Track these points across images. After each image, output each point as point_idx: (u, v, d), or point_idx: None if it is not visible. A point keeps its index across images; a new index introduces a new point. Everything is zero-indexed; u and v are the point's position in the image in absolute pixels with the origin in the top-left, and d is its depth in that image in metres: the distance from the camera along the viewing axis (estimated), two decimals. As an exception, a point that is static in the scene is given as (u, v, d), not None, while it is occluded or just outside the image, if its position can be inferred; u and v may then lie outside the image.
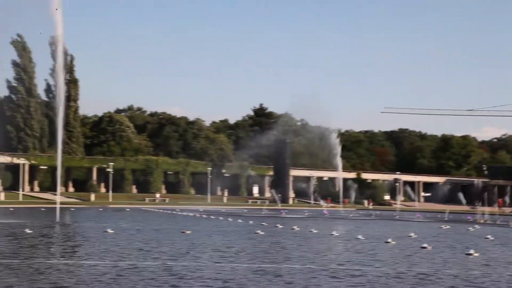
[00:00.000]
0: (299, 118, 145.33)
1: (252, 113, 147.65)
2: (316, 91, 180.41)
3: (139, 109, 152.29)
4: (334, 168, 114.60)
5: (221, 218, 53.08)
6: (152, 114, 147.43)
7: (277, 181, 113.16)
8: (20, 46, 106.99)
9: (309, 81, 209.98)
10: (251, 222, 47.01)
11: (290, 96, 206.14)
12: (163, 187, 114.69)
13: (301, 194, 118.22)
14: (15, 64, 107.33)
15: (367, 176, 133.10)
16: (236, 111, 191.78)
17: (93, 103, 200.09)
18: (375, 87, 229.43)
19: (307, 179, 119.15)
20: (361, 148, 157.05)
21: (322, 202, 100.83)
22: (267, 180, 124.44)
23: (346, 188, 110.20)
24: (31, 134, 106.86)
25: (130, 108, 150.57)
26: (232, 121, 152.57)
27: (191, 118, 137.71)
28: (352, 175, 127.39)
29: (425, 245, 27.74)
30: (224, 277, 16.62)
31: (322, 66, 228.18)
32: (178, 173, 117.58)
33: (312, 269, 18.65)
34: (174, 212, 65.09)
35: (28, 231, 31.73)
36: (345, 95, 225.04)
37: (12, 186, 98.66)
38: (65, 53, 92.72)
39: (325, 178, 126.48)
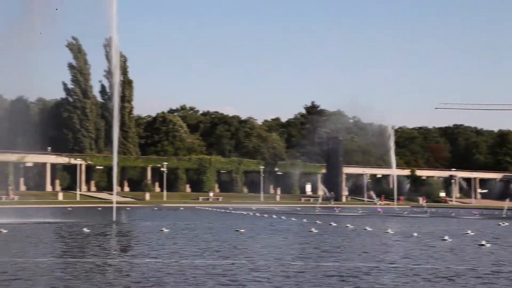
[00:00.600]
0: (352, 115, 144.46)
1: (304, 111, 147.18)
2: (369, 87, 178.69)
3: (191, 108, 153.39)
4: (388, 165, 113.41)
5: (274, 216, 53.00)
6: (205, 114, 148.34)
7: (330, 179, 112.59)
8: (76, 49, 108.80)
9: (361, 77, 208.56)
10: (304, 220, 46.83)
11: (342, 93, 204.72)
12: (216, 186, 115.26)
13: (353, 191, 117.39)
14: (71, 66, 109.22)
15: (422, 173, 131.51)
16: (288, 109, 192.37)
17: (146, 104, 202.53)
18: (429, 83, 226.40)
19: (360, 176, 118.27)
20: (415, 144, 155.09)
21: (376, 200, 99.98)
22: (319, 178, 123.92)
23: (400, 186, 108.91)
24: (87, 135, 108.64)
25: (183, 108, 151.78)
26: (284, 119, 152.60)
27: (243, 117, 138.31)
28: (406, 172, 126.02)
29: (483, 242, 27.20)
30: (285, 276, 16.58)
31: (375, 62, 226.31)
32: (231, 172, 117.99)
33: (379, 268, 18.46)
34: (228, 211, 65.30)
35: (86, 230, 32.21)
36: (399, 91, 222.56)
37: (70, 186, 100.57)
38: (119, 54, 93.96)
39: (379, 176, 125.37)
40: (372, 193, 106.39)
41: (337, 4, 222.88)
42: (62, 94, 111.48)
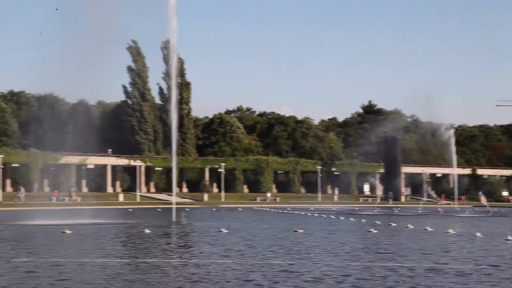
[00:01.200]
0: (410, 114, 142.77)
1: (361, 111, 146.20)
2: (427, 85, 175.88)
3: (248, 109, 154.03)
4: (448, 164, 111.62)
5: (332, 216, 52.82)
6: (261, 114, 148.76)
7: (388, 178, 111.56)
8: (135, 52, 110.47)
9: (419, 75, 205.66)
10: (363, 220, 46.53)
11: (400, 92, 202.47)
12: (273, 186, 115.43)
13: (413, 190, 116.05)
14: (130, 69, 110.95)
15: (483, 171, 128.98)
16: (345, 109, 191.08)
17: (204, 105, 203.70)
18: (489, 80, 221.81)
19: (419, 175, 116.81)
20: (475, 143, 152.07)
21: (436, 200, 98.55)
22: (377, 178, 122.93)
23: (460, 185, 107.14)
24: (146, 137, 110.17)
25: (239, 109, 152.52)
26: (340, 119, 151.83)
27: (300, 117, 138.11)
28: (467, 171, 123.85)
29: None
30: (344, 275, 16.56)
31: (432, 60, 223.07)
32: (288, 172, 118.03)
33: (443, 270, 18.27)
34: (285, 211, 65.33)
35: (147, 231, 32.65)
36: (458, 89, 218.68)
37: (130, 188, 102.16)
38: (177, 57, 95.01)
39: (438, 175, 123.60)
40: (432, 193, 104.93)
41: (392, 1, 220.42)
42: (122, 97, 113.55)
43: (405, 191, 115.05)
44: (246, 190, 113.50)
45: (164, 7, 42.91)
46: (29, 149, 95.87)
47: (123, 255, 22.64)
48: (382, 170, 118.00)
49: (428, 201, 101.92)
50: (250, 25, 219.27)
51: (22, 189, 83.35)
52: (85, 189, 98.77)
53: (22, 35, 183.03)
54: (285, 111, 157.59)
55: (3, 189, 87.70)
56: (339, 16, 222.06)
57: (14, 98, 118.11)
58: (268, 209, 73.29)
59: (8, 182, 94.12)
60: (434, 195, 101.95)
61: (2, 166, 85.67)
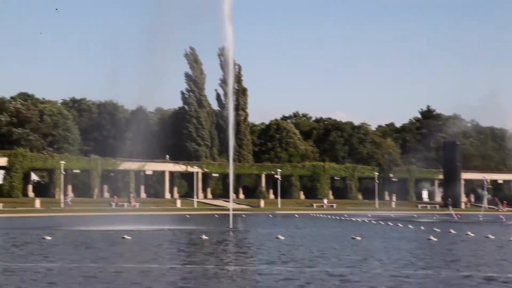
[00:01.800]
0: (469, 118, 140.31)
1: (419, 116, 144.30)
2: (486, 89, 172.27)
3: (304, 115, 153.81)
4: (510, 170, 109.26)
5: (390, 223, 52.19)
6: (318, 120, 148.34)
7: (447, 184, 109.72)
8: (192, 59, 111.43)
9: (479, 79, 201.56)
10: (422, 227, 45.84)
11: (459, 96, 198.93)
12: (330, 192, 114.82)
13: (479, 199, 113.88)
14: (187, 76, 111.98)
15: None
16: (403, 114, 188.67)
17: (260, 111, 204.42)
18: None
19: (480, 182, 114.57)
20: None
21: (498, 207, 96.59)
22: (436, 184, 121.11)
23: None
24: (203, 143, 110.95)
25: (295, 115, 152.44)
26: (398, 124, 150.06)
27: (357, 123, 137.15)
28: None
29: None
30: (402, 282, 16.34)
31: (493, 62, 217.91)
32: (345, 178, 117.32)
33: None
34: (342, 218, 64.87)
35: (204, 237, 32.85)
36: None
37: (187, 194, 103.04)
38: (233, 63, 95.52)
39: (500, 181, 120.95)
40: (496, 199, 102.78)
41: (456, 7, 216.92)
42: (180, 103, 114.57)
43: (469, 198, 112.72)
44: (302, 196, 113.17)
45: (220, 13, 43.17)
46: (89, 155, 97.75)
47: (181, 261, 22.83)
48: (441, 176, 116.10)
49: (489, 208, 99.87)
50: (304, 31, 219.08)
51: (70, 195, 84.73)
52: (143, 195, 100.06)
53: (82, 44, 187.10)
54: (341, 117, 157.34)
55: (65, 193, 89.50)
56: (394, 19, 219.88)
57: (76, 105, 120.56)
58: (324, 215, 72.87)
59: (70, 188, 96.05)
60: (498, 202, 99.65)
61: (64, 172, 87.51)
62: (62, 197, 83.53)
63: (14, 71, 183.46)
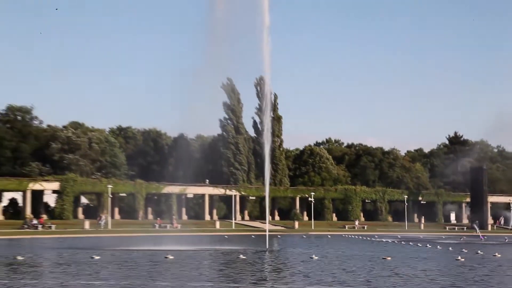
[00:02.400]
0: (496, 144, 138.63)
1: (446, 142, 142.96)
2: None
3: (336, 141, 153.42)
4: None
5: (419, 244, 51.66)
6: (349, 146, 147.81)
7: (475, 207, 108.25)
8: (229, 89, 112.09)
9: (505, 106, 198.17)
10: (450, 248, 45.31)
11: (486, 123, 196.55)
12: (361, 214, 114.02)
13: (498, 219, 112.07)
14: (225, 105, 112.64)
15: None
16: (431, 140, 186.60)
17: (295, 138, 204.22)
18: None
19: (507, 205, 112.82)
20: None
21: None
22: (464, 207, 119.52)
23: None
24: (240, 168, 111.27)
25: (328, 141, 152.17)
26: (426, 149, 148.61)
27: (386, 148, 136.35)
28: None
29: None
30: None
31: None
32: (375, 201, 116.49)
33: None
34: (373, 239, 64.34)
35: (242, 256, 32.91)
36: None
37: (226, 216, 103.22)
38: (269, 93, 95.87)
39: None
40: (503, 219, 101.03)
41: (472, 32, 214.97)
42: (218, 131, 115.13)
43: (498, 221, 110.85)
44: (334, 218, 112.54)
45: (258, 44, 43.49)
46: (134, 180, 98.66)
47: (220, 280, 22.95)
48: (468, 199, 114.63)
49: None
50: (335, 61, 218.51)
51: (103, 217, 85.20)
52: (185, 217, 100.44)
53: (128, 76, 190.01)
54: (372, 142, 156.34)
55: (112, 216, 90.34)
56: (423, 49, 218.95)
57: (122, 133, 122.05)
58: (356, 236, 72.37)
59: (116, 210, 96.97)
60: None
61: (111, 196, 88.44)
62: (100, 219, 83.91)
63: (66, 101, 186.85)
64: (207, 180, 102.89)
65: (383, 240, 62.12)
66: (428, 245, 50.44)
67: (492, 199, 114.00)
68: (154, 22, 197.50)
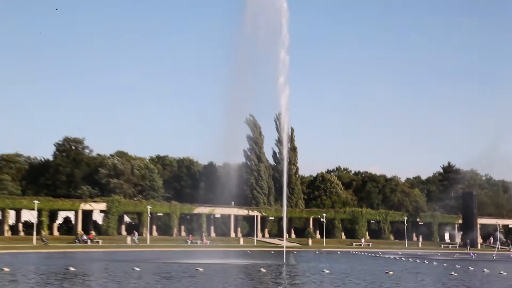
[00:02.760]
0: (484, 173, 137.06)
1: (441, 170, 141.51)
2: (497, 146, 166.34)
3: (345, 169, 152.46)
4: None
5: (418, 260, 51.09)
6: (356, 173, 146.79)
7: (466, 228, 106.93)
8: (252, 124, 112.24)
9: (490, 137, 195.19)
10: (445, 264, 44.72)
11: (476, 153, 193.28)
12: (367, 233, 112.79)
13: (487, 239, 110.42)
14: (248, 137, 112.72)
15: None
16: (427, 169, 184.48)
17: (308, 165, 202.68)
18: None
19: (494, 227, 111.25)
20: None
21: (510, 247, 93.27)
22: (456, 228, 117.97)
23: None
24: (261, 192, 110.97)
25: (338, 168, 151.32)
26: (424, 177, 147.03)
27: (389, 175, 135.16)
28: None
29: None
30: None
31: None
32: (379, 221, 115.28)
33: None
34: (377, 255, 63.72)
35: (263, 270, 32.80)
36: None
37: (248, 233, 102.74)
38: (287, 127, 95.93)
39: (511, 226, 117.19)
40: (508, 241, 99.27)
41: (466, 72, 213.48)
42: (243, 159, 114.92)
43: (489, 240, 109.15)
44: (343, 236, 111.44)
45: (276, 85, 43.74)
46: (170, 201, 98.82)
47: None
48: (460, 221, 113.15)
49: (501, 248, 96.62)
50: (344, 100, 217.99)
51: (136, 233, 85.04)
52: (213, 234, 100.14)
53: (168, 110, 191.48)
54: (376, 170, 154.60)
55: (151, 233, 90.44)
56: (420, 87, 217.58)
57: (160, 161, 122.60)
58: (362, 253, 71.75)
59: (154, 227, 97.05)
60: (498, 243, 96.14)
61: (150, 215, 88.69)
62: (133, 235, 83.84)
63: (113, 132, 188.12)
64: (233, 202, 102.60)
65: (386, 256, 61.49)
66: (425, 261, 49.86)
67: (481, 221, 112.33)
68: (188, 62, 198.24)
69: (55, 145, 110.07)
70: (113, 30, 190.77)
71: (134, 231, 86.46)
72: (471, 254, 71.80)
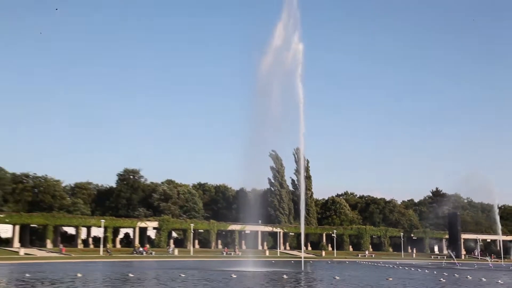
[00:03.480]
0: (466, 196, 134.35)
1: (430, 194, 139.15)
2: (478, 170, 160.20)
3: (352, 193, 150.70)
4: (495, 233, 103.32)
5: (412, 269, 50.11)
6: (361, 197, 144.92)
7: (451, 242, 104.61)
8: (274, 157, 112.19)
9: (474, 161, 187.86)
10: (434, 272, 43.80)
11: (459, 178, 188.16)
12: (370, 246, 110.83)
13: (470, 251, 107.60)
14: (271, 168, 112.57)
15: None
16: (419, 193, 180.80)
17: (321, 190, 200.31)
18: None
19: (475, 241, 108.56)
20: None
21: (489, 259, 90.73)
22: (444, 242, 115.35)
23: (506, 248, 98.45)
24: (283, 212, 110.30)
25: (345, 193, 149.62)
26: (416, 200, 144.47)
27: (388, 198, 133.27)
28: (510, 237, 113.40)
29: None
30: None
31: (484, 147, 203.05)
32: (380, 237, 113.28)
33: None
34: (379, 264, 62.64)
35: (285, 276, 32.60)
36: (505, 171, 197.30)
37: (273, 246, 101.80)
38: (303, 159, 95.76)
39: (488, 240, 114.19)
40: (476, 251, 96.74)
41: (459, 97, 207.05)
42: (267, 186, 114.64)
43: (473, 253, 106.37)
44: (351, 249, 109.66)
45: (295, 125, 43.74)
46: (209, 220, 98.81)
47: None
48: (447, 236, 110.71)
49: (481, 259, 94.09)
50: (351, 134, 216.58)
51: (171, 246, 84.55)
52: (244, 247, 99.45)
53: (207, 145, 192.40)
54: (377, 194, 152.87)
55: (194, 245, 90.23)
56: (414, 117, 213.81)
57: (200, 187, 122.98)
58: (366, 262, 70.55)
59: (196, 241, 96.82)
60: (487, 254, 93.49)
61: (193, 231, 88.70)
62: (168, 248, 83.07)
63: (163, 164, 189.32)
64: (260, 221, 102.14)
65: (386, 265, 60.44)
66: (418, 269, 48.89)
67: (464, 236, 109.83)
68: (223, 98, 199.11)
69: (117, 175, 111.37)
70: (163, 80, 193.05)
71: (169, 245, 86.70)
72: (457, 263, 70.07)
